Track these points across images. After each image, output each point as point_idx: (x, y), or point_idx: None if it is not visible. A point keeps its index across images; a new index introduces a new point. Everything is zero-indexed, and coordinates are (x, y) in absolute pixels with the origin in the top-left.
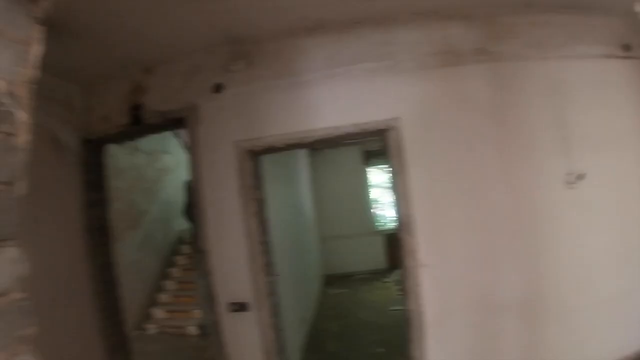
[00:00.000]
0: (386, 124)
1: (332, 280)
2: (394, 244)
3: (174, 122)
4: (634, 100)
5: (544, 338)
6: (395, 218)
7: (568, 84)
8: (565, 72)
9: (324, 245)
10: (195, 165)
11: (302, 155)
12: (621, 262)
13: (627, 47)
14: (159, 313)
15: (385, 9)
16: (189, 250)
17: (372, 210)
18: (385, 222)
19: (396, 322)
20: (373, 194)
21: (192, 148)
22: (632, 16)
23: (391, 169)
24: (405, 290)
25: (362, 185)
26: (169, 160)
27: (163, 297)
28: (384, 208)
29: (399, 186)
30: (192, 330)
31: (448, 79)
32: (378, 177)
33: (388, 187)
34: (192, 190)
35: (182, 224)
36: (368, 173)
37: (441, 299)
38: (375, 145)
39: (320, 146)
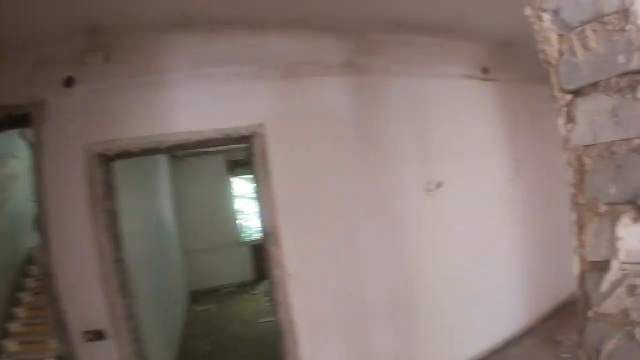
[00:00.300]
0: (251, 131)
1: (199, 296)
2: (261, 255)
3: (18, 120)
4: (490, 117)
5: (417, 338)
6: (260, 229)
7: (431, 100)
8: (428, 89)
9: (188, 259)
10: (38, 170)
11: (162, 164)
12: (482, 260)
13: (485, 70)
14: (11, 345)
15: (257, 12)
16: (39, 271)
17: (237, 221)
18: (250, 233)
19: (268, 334)
20: (238, 204)
21: (35, 150)
22: (490, 42)
23: (255, 178)
24: (275, 302)
25: (227, 196)
26: (17, 165)
27: (14, 327)
28: (249, 219)
29: (263, 196)
30: None
31: (316, 88)
32: (243, 188)
33: (253, 198)
34: (37, 201)
35: (33, 241)
36: (233, 183)
37: (312, 308)
38: (240, 154)
39: (181, 152)
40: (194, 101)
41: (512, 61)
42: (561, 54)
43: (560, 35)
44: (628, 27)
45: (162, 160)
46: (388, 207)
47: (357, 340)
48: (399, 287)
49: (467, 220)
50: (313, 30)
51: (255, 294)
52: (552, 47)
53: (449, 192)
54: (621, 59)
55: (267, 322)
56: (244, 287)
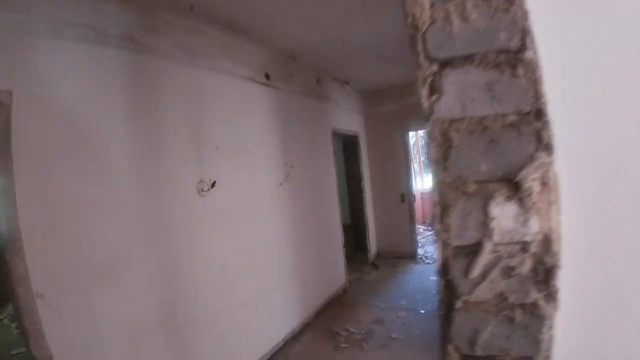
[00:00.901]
0: None
1: None
2: (2, 268)
3: None
4: (267, 122)
5: (195, 350)
6: None
7: (210, 95)
8: (209, 84)
9: None
10: None
11: None
12: (256, 262)
13: (267, 76)
14: None
15: None
16: None
17: None
18: None
19: None
20: None
21: None
22: (275, 50)
23: None
24: (23, 332)
25: None
26: None
27: None
28: None
29: (0, 187)
30: None
31: (85, 57)
32: None
33: None
34: None
35: None
36: None
37: (70, 336)
38: None
39: None
40: None
41: (292, 72)
42: (433, 20)
43: (433, 4)
44: (513, 9)
45: None
46: (157, 208)
47: None
48: (170, 298)
49: (240, 222)
50: None
51: (1, 319)
52: (423, 12)
53: (222, 192)
54: (502, 35)
55: (21, 353)
56: None
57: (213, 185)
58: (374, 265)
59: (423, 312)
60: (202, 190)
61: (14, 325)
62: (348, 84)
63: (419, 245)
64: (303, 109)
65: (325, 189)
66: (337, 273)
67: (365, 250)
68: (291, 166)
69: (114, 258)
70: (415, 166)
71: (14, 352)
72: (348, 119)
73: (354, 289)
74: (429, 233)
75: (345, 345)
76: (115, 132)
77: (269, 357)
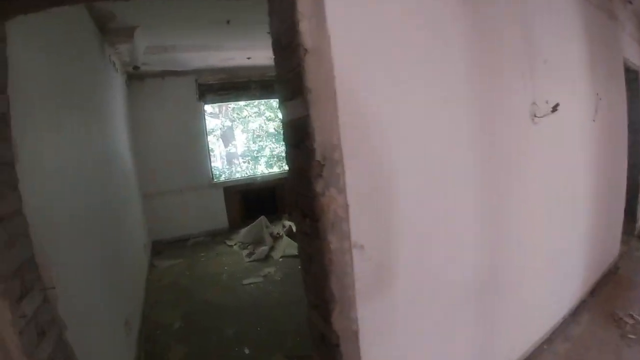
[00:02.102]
0: None
1: (162, 247)
2: (234, 198)
3: None
4: (574, 32)
5: (498, 321)
6: (289, 156)
7: None
8: None
9: (148, 203)
10: None
11: (116, 77)
12: (561, 214)
13: None
14: None
15: None
16: None
17: (209, 158)
18: (220, 175)
19: (255, 302)
20: (208, 139)
21: None
22: None
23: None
24: (326, 295)
25: (197, 126)
26: None
27: None
28: (218, 159)
29: (315, 72)
30: None
31: None
32: (211, 122)
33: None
34: None
35: None
36: (204, 111)
37: (389, 302)
38: (212, 77)
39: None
40: None
41: None
42: None
43: None
44: None
45: (116, 78)
46: (490, 139)
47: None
48: (491, 256)
49: (558, 161)
50: None
51: (231, 245)
52: None
53: (554, 120)
54: None
55: (252, 284)
56: (216, 236)
57: (555, 109)
58: None
59: None
60: (536, 116)
61: (244, 252)
62: (631, 3)
63: None
64: (599, 26)
65: (617, 133)
66: (612, 242)
67: (634, 217)
68: (600, 99)
69: (446, 198)
70: None
71: (245, 282)
72: (631, 48)
73: (626, 265)
74: None
75: (634, 336)
76: (447, 37)
77: (548, 336)
